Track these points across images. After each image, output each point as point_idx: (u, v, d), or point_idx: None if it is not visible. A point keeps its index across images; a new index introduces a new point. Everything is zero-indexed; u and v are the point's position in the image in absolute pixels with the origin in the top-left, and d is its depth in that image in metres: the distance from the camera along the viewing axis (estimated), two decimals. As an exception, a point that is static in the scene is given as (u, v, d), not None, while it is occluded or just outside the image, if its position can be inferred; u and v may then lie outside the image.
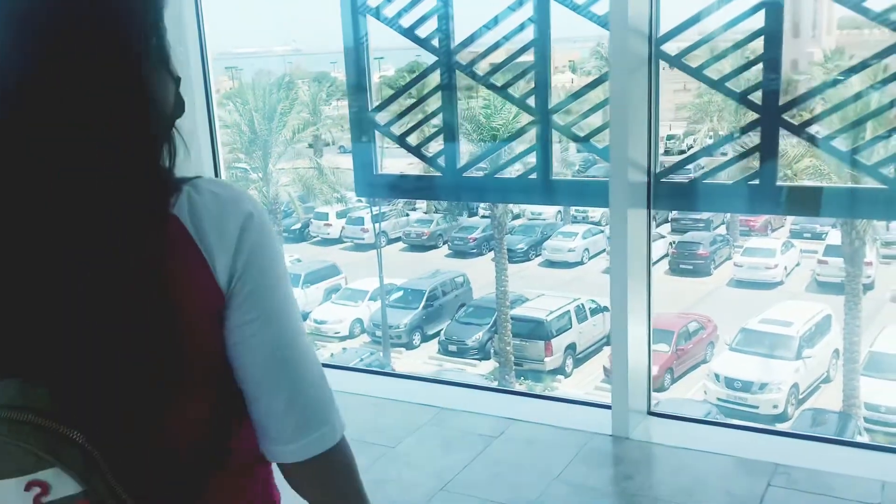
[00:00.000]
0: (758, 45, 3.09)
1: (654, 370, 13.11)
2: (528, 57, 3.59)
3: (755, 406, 12.99)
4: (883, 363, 13.32)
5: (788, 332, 13.86)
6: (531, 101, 3.66)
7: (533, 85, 3.61)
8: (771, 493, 2.85)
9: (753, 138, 3.23)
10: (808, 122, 3.13)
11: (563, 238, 19.14)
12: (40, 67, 0.88)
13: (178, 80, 1.00)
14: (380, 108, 4.01)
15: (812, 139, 3.15)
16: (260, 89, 20.52)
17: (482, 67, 3.84)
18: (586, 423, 3.43)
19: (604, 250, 16.46)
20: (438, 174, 3.91)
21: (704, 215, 19.10)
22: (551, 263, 18.85)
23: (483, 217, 19.74)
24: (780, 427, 12.37)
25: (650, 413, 3.49)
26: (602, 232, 17.58)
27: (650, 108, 3.25)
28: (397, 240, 19.97)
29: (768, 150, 3.15)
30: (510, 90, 3.86)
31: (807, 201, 3.59)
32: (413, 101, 4.16)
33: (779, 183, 3.24)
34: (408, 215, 20.81)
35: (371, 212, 19.73)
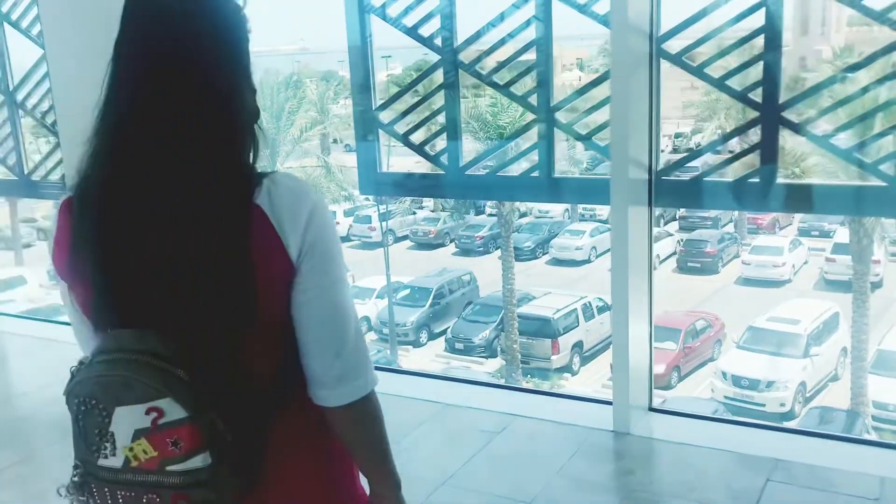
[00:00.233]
0: (760, 43, 3.11)
1: (661, 368, 13.06)
2: (532, 55, 3.62)
3: (762, 404, 12.99)
4: (891, 361, 13.30)
5: (796, 330, 13.85)
6: (534, 99, 3.69)
7: (536, 83, 3.64)
8: (770, 488, 2.87)
9: (755, 136, 3.25)
10: (808, 120, 3.13)
11: (571, 236, 19.15)
12: (163, 90, 1.15)
13: (254, 91, 1.24)
14: (383, 106, 4.05)
15: (812, 137, 3.16)
16: (268, 88, 20.59)
17: (486, 66, 3.87)
18: (588, 419, 3.46)
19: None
20: (442, 172, 3.94)
21: (712, 213, 19.09)
22: (558, 261, 18.88)
23: (490, 215, 19.77)
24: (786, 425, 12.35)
25: (651, 409, 3.51)
26: (610, 230, 17.56)
27: (651, 106, 3.27)
28: (404, 238, 20.02)
29: (768, 148, 3.17)
30: (513, 88, 3.88)
31: (807, 199, 3.60)
32: (416, 99, 4.18)
33: (779, 180, 3.25)
34: (415, 213, 20.86)
35: (378, 210, 19.78)
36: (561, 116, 3.64)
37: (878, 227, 14.17)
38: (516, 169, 3.90)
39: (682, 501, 2.84)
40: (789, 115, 3.14)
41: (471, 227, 20.17)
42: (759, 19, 3.10)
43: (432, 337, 16.24)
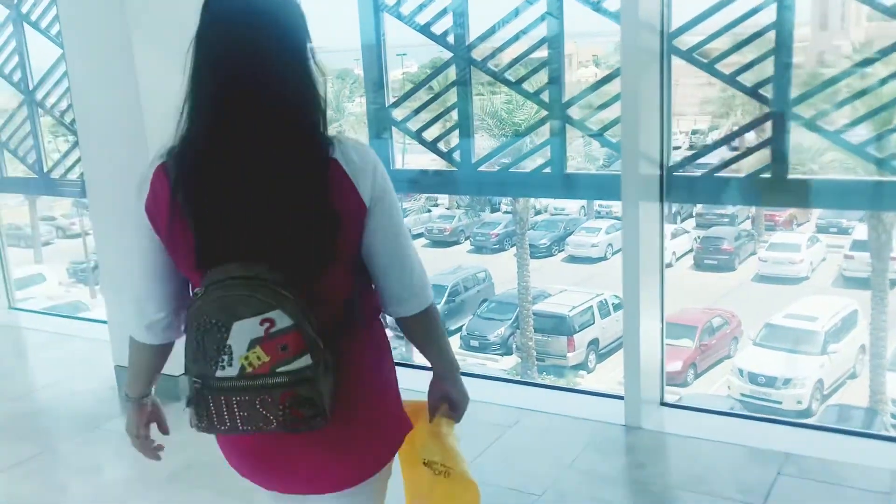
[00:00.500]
0: (772, 38, 3.11)
1: (678, 365, 12.98)
2: (544, 52, 3.64)
3: (779, 401, 12.90)
4: (910, 359, 13.20)
5: (813, 328, 13.75)
6: (546, 96, 3.71)
7: (548, 79, 3.66)
8: (780, 482, 2.89)
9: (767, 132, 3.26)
10: (820, 116, 3.13)
11: (586, 233, 19.09)
12: (262, 77, 1.43)
13: (323, 74, 1.51)
14: (396, 104, 4.08)
15: (824, 132, 3.16)
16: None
17: (498, 63, 3.89)
18: (599, 413, 3.48)
19: (627, 245, 16.35)
20: (454, 169, 3.97)
21: (729, 210, 18.97)
22: (574, 259, 18.82)
23: (505, 213, 19.74)
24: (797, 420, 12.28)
25: (663, 404, 3.52)
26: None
27: (662, 102, 3.29)
28: (420, 236, 20.02)
29: (780, 144, 3.18)
30: (526, 85, 3.91)
31: (821, 194, 3.60)
32: (429, 96, 4.21)
33: (792, 176, 3.26)
34: (430, 211, 20.86)
35: (393, 208, 19.74)
36: (575, 113, 3.66)
37: (898, 223, 14.04)
38: (530, 166, 3.92)
39: (693, 494, 2.86)
40: (801, 110, 3.15)
41: (486, 224, 20.14)
42: (771, 14, 3.10)
43: (448, 334, 16.22)
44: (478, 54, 3.83)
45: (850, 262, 16.49)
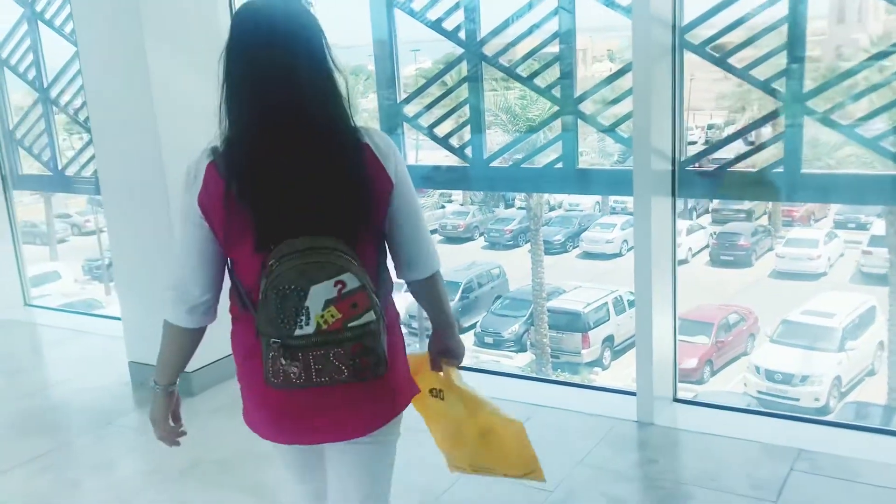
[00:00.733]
0: (785, 32, 3.09)
1: (693, 362, 12.89)
2: (556, 47, 3.63)
3: (796, 398, 12.81)
4: (929, 355, 13.07)
5: (831, 324, 13.63)
6: (557, 91, 3.69)
7: (559, 74, 3.65)
8: (793, 478, 2.87)
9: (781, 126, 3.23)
10: (833, 110, 3.10)
11: (601, 229, 19.01)
12: (298, 79, 1.65)
13: (344, 75, 1.74)
14: (408, 100, 4.08)
15: (837, 126, 3.13)
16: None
17: (510, 58, 3.88)
18: (612, 409, 3.47)
19: (642, 241, 16.26)
20: (466, 165, 3.96)
21: (745, 206, 18.84)
22: (589, 255, 18.75)
23: (519, 209, 19.70)
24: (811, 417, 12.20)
25: (676, 400, 3.51)
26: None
27: (674, 97, 3.27)
28: (433, 232, 19.93)
29: (793, 138, 3.15)
30: (538, 80, 3.89)
31: (835, 188, 3.57)
32: (440, 92, 4.21)
33: (806, 170, 3.23)
34: (444, 207, 20.85)
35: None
36: (588, 108, 3.65)
37: (918, 218, 13.90)
38: (542, 161, 3.91)
39: (705, 490, 2.85)
40: (815, 104, 3.12)
41: (500, 220, 20.11)
42: (783, 8, 3.08)
43: (461, 331, 16.13)
44: (489, 50, 3.82)
45: (868, 257, 16.34)
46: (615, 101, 3.59)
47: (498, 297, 16.62)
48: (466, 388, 2.05)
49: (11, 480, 3.31)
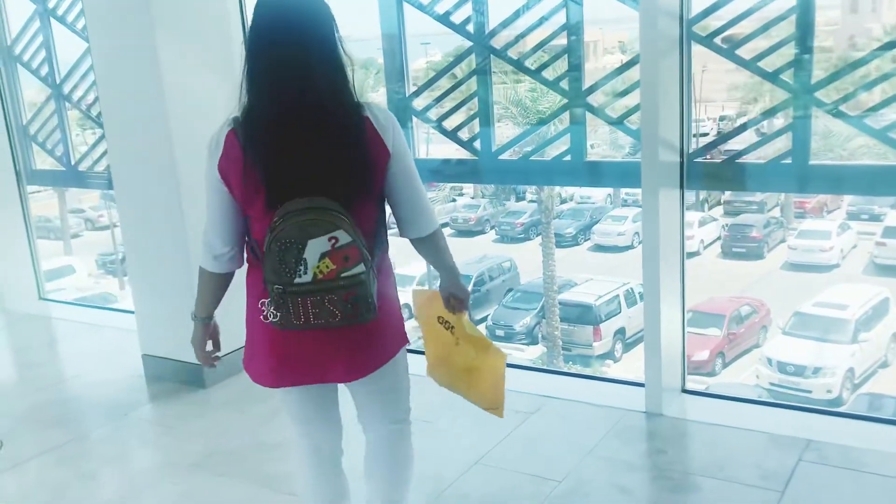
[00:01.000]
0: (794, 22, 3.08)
1: (705, 354, 12.83)
2: (564, 39, 3.63)
3: (808, 390, 12.77)
4: (943, 347, 12.99)
5: (844, 316, 13.57)
6: (566, 84, 3.70)
7: (568, 67, 3.65)
8: (801, 468, 2.88)
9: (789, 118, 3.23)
10: (841, 101, 3.10)
11: (613, 222, 18.97)
12: (305, 61, 1.89)
13: (350, 58, 1.98)
14: (417, 93, 4.09)
15: (845, 118, 3.13)
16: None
17: (519, 50, 3.89)
18: (621, 400, 3.49)
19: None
20: (475, 158, 3.97)
21: (757, 197, 18.74)
22: (600, 248, 18.72)
23: (530, 202, 19.68)
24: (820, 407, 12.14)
25: (684, 391, 3.52)
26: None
27: (682, 88, 3.27)
28: (444, 225, 19.94)
29: (801, 129, 3.15)
30: (547, 73, 3.90)
31: (845, 179, 3.56)
32: (449, 85, 4.22)
33: (816, 161, 3.23)
34: (454, 201, 20.85)
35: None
36: (598, 101, 3.65)
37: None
38: (552, 154, 3.92)
39: (713, 480, 2.86)
40: (824, 95, 3.12)
41: (511, 213, 20.09)
42: (791, -1, 3.07)
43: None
44: (498, 42, 3.83)
45: (881, 249, 16.25)
46: (623, 94, 3.60)
47: (509, 290, 16.62)
48: (472, 332, 2.37)
49: (28, 472, 3.36)
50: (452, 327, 2.40)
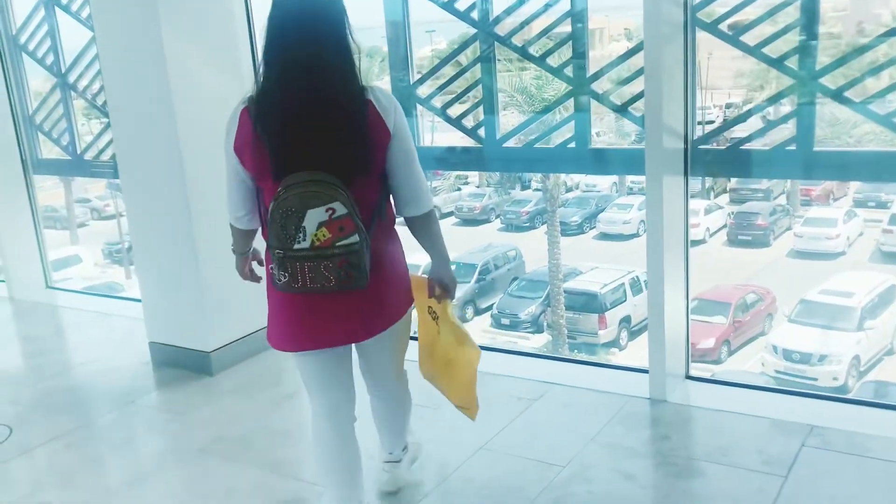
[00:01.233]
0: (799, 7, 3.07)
1: (710, 342, 12.81)
2: (568, 27, 3.62)
3: (814, 378, 12.76)
4: (950, 334, 12.96)
5: (850, 303, 13.55)
6: (570, 71, 3.70)
7: (572, 54, 3.65)
8: (804, 453, 2.89)
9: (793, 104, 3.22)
10: (845, 87, 3.09)
11: (619, 210, 18.94)
12: (315, 48, 2.09)
13: (358, 45, 2.16)
14: (421, 81, 4.09)
15: (850, 104, 3.12)
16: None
17: (523, 38, 3.88)
18: (625, 386, 3.50)
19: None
20: (480, 146, 3.97)
21: (763, 185, 18.69)
22: (606, 236, 18.71)
23: (535, 190, 19.65)
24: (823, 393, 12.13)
25: (688, 377, 3.53)
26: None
27: (686, 75, 3.26)
28: (450, 214, 19.99)
29: (805, 116, 3.15)
30: (552, 60, 3.89)
31: (849, 166, 3.55)
32: (453, 73, 4.21)
33: (820, 148, 3.22)
34: (459, 190, 20.83)
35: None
36: (602, 87, 3.65)
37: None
38: (556, 141, 3.91)
39: (716, 466, 2.88)
40: (829, 81, 3.11)
41: (516, 202, 20.07)
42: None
43: (478, 313, 16.26)
44: (502, 30, 3.82)
45: (888, 236, 16.21)
46: (627, 81, 3.59)
47: (514, 279, 16.63)
48: (454, 322, 2.51)
49: (36, 458, 3.39)
50: (437, 317, 2.52)
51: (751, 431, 3.09)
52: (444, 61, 4.28)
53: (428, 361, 2.62)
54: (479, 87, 3.96)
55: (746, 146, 3.37)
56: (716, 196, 19.27)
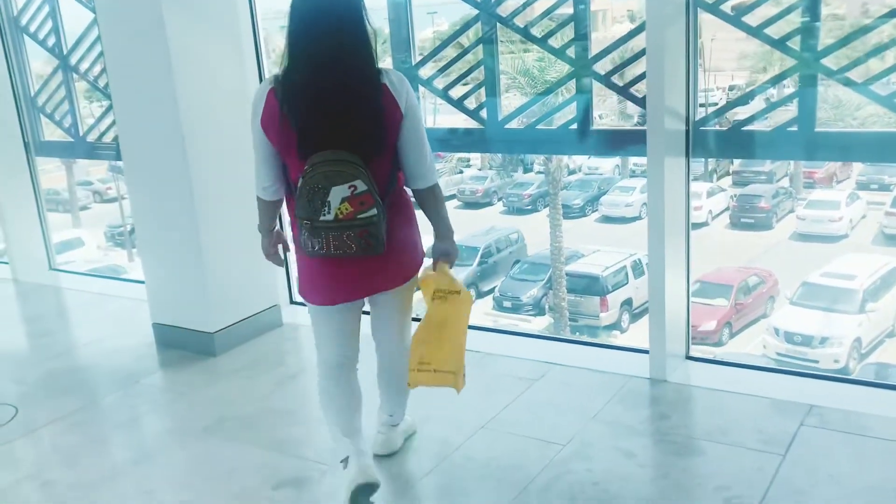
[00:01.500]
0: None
1: (712, 325, 12.83)
2: (570, 8, 3.62)
3: (815, 360, 12.79)
4: (951, 316, 12.97)
5: (852, 286, 13.56)
6: (572, 52, 3.69)
7: (574, 35, 3.64)
8: (803, 432, 2.91)
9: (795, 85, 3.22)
10: (846, 68, 3.08)
11: (621, 193, 18.92)
12: (337, 32, 2.33)
13: (374, 29, 2.38)
14: (422, 62, 4.09)
15: (852, 85, 3.12)
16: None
17: (525, 19, 3.87)
18: (625, 366, 3.52)
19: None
20: (482, 127, 3.97)
21: (766, 167, 18.65)
22: (608, 219, 18.70)
23: (538, 173, 19.63)
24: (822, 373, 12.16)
25: (689, 357, 3.55)
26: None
27: (688, 57, 3.26)
28: (452, 197, 19.97)
29: (807, 97, 3.15)
30: (553, 41, 3.88)
31: (851, 148, 3.56)
32: (455, 54, 4.21)
33: (823, 129, 3.23)
34: (462, 172, 20.81)
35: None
36: (604, 69, 3.64)
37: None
38: (559, 123, 3.91)
39: (715, 444, 2.90)
40: (831, 62, 3.11)
41: (518, 185, 20.05)
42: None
43: (480, 295, 16.29)
44: (505, 11, 3.81)
45: (891, 218, 16.19)
46: (629, 62, 3.59)
47: (517, 262, 16.64)
48: (450, 275, 2.67)
49: (41, 439, 3.42)
50: (447, 294, 2.67)
51: (750, 411, 3.11)
52: (446, 43, 4.27)
53: (420, 346, 2.68)
54: (482, 68, 3.96)
55: (748, 127, 3.37)
56: (718, 178, 19.24)
